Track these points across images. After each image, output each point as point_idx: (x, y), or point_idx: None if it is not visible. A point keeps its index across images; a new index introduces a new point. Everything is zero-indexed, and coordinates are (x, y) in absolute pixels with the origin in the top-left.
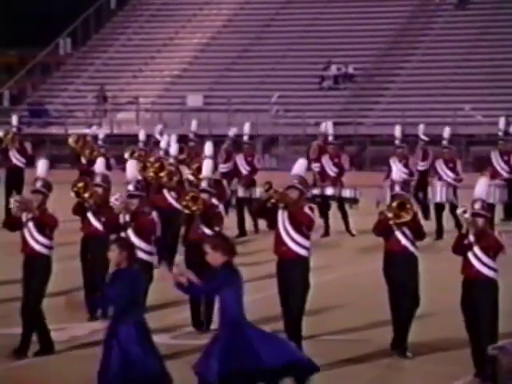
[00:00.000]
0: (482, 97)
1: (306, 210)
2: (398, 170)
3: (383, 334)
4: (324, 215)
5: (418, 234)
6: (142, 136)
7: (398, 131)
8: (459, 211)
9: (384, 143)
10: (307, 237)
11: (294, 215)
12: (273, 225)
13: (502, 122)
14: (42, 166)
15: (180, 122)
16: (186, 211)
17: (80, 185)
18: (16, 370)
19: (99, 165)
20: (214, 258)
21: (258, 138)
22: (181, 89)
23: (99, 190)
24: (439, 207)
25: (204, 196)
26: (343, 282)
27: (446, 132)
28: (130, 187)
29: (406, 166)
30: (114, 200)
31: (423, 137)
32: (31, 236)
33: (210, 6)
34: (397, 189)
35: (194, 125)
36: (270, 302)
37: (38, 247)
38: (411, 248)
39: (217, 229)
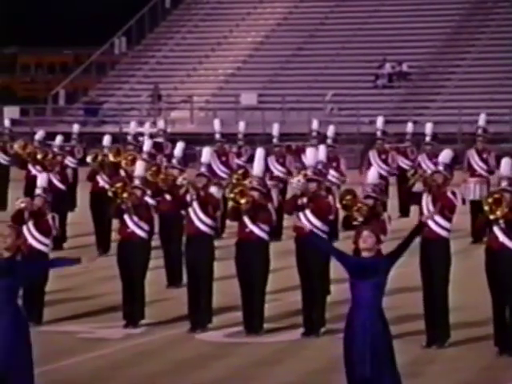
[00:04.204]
0: None
1: (449, 194)
2: (506, 166)
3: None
4: None
5: None
6: (106, 141)
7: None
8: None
9: (440, 141)
10: (449, 219)
11: (437, 198)
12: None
13: (379, 121)
14: (206, 153)
15: (234, 121)
16: (233, 204)
17: (118, 185)
18: (65, 369)
19: (139, 168)
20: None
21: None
22: (235, 87)
23: (138, 192)
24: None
25: (254, 194)
26: None
27: None
28: (309, 172)
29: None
30: (296, 182)
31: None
32: (196, 216)
33: (264, 4)
34: (503, 184)
35: (242, 125)
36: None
37: (202, 227)
38: (510, 245)
39: (264, 226)
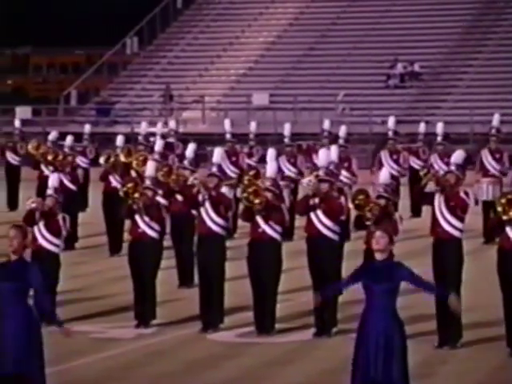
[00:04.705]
0: None
1: (462, 194)
2: None
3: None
4: None
5: None
6: (119, 141)
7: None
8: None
9: (452, 141)
10: (461, 219)
11: (450, 198)
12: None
13: (391, 121)
14: (217, 154)
15: (246, 121)
16: (246, 204)
17: (129, 185)
18: (77, 369)
19: (149, 168)
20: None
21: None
22: (246, 87)
23: (149, 193)
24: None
25: (268, 195)
26: None
27: None
28: (321, 173)
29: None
30: (308, 182)
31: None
32: (208, 216)
33: (275, 4)
34: None
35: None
36: None
37: (214, 227)
38: None
39: (276, 227)
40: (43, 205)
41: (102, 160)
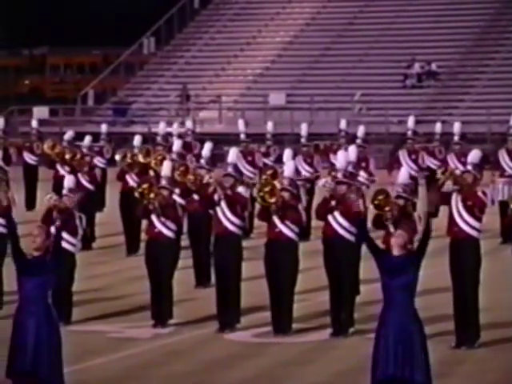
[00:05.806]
0: None
1: (480, 193)
2: None
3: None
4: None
5: None
6: (136, 141)
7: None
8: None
9: (469, 141)
10: (479, 219)
11: (467, 198)
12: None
13: (410, 121)
14: (232, 153)
15: (262, 121)
16: (262, 203)
17: (145, 186)
18: (94, 369)
19: (165, 168)
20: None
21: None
22: (263, 87)
23: (165, 192)
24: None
25: (285, 194)
26: None
27: None
28: (339, 175)
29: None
30: (324, 183)
31: None
32: (224, 215)
33: (292, 4)
34: None
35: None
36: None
37: (231, 227)
38: None
39: (293, 226)
40: (60, 201)
41: (117, 157)
